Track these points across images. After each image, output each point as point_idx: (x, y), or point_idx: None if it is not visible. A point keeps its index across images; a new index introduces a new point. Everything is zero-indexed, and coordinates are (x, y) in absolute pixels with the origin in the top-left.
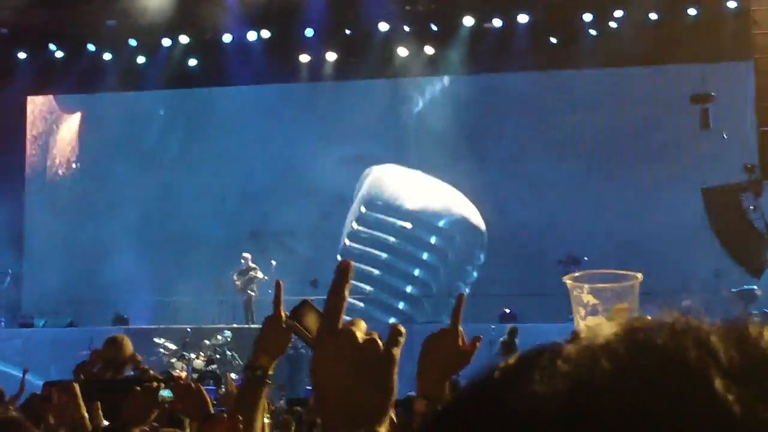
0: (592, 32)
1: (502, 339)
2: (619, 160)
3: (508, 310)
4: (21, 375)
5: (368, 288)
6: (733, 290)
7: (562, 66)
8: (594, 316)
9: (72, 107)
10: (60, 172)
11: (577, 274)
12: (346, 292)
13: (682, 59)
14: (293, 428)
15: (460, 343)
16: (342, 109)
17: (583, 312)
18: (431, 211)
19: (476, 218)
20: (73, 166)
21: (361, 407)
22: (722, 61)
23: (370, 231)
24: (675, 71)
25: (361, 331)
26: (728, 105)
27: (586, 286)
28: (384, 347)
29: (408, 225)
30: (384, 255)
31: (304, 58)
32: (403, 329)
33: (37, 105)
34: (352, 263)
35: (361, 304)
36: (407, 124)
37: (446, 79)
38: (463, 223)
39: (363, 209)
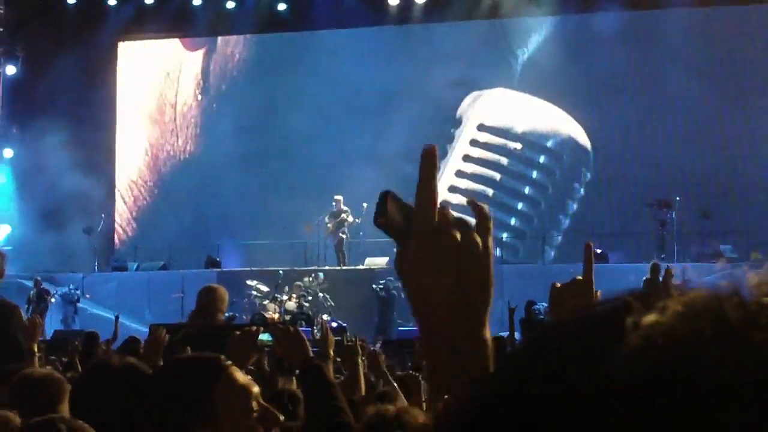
0: None
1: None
2: (715, 101)
3: (599, 251)
4: (114, 319)
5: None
6: None
7: (656, 5)
8: None
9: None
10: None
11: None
12: (436, 182)
13: None
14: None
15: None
16: (431, 49)
17: None
18: (540, 131)
19: (583, 138)
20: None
21: (463, 307)
22: None
23: (482, 152)
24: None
25: (451, 221)
26: None
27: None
28: (481, 240)
29: (518, 146)
30: (497, 175)
31: (393, 1)
32: (489, 214)
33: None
34: (436, 147)
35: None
36: (503, 63)
37: (541, 20)
38: (570, 143)
39: (475, 132)
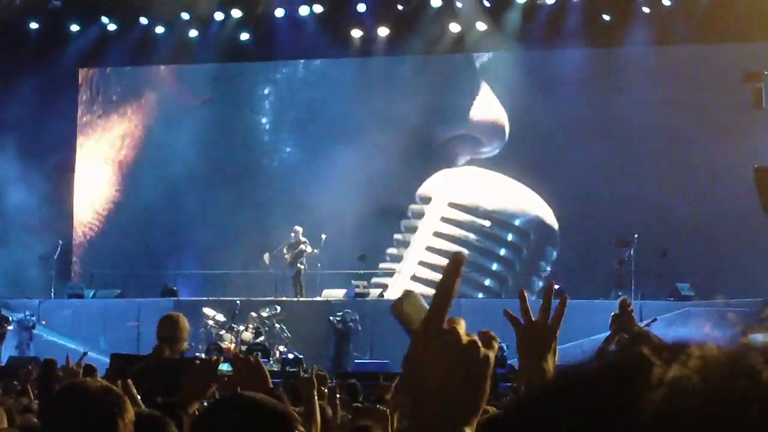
0: (645, 10)
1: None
2: (670, 140)
3: (557, 286)
4: (71, 347)
5: None
6: None
7: (614, 44)
8: None
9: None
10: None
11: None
12: (456, 288)
13: (735, 38)
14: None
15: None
16: (394, 84)
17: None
18: (508, 210)
19: (550, 218)
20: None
21: (456, 406)
22: None
23: (452, 228)
24: (727, 50)
25: (462, 330)
26: None
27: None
28: (483, 350)
29: (487, 223)
30: (465, 251)
31: (356, 33)
32: (496, 336)
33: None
34: (464, 256)
35: None
36: (457, 99)
37: (496, 55)
38: (538, 222)
39: (445, 209)
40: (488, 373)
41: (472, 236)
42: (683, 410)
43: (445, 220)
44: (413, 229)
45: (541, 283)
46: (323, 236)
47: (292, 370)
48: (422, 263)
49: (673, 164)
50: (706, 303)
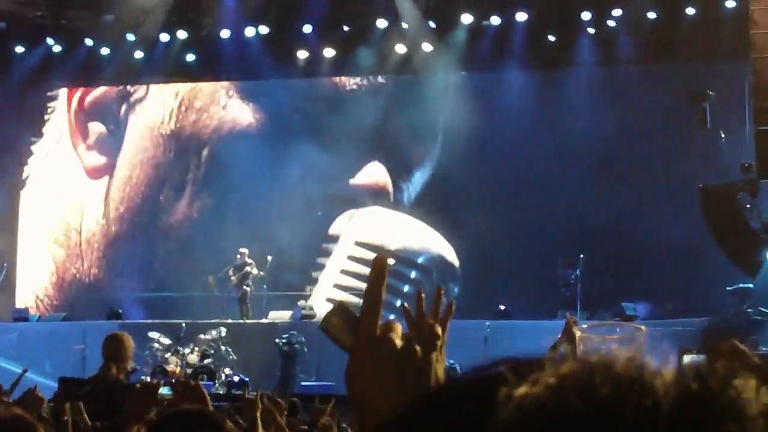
0: (591, 31)
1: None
2: (615, 160)
3: (503, 307)
4: (16, 371)
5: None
6: (729, 288)
7: (560, 65)
8: None
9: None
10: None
11: (585, 325)
12: (383, 294)
13: (680, 58)
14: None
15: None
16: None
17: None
18: (412, 249)
19: (451, 256)
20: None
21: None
22: (720, 60)
23: (357, 266)
24: (672, 71)
25: (397, 334)
26: (726, 104)
27: (594, 336)
28: (421, 353)
29: (391, 261)
30: (392, 261)
31: (302, 54)
32: (440, 332)
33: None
34: (388, 259)
35: None
36: (404, 122)
37: (444, 77)
38: (440, 259)
39: (351, 247)
40: (429, 374)
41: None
42: (525, 430)
43: (352, 258)
44: (322, 267)
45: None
46: (269, 258)
47: (237, 392)
48: (329, 300)
49: (621, 184)
50: (652, 323)
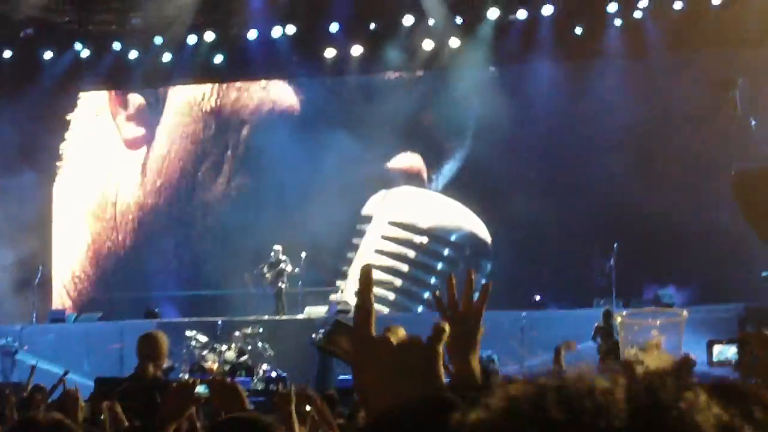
0: (617, 22)
1: (597, 324)
2: (647, 148)
3: (538, 297)
4: (56, 371)
5: (392, 296)
6: (765, 273)
7: (588, 57)
8: (633, 348)
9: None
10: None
11: (625, 312)
12: (371, 300)
13: (708, 46)
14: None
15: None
16: (368, 104)
17: (627, 343)
18: (444, 227)
19: (483, 233)
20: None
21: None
22: (749, 46)
23: (391, 246)
24: (701, 58)
25: (397, 336)
26: (756, 91)
27: (635, 321)
28: (425, 344)
29: (425, 240)
30: (405, 267)
31: (330, 52)
32: (446, 327)
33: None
34: (371, 267)
35: (386, 310)
36: (436, 115)
37: (472, 71)
38: (472, 237)
39: (385, 227)
40: (434, 364)
41: (411, 252)
42: None
43: (385, 237)
44: (357, 248)
45: (476, 295)
46: (303, 254)
47: (275, 388)
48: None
49: (653, 172)
50: (689, 309)
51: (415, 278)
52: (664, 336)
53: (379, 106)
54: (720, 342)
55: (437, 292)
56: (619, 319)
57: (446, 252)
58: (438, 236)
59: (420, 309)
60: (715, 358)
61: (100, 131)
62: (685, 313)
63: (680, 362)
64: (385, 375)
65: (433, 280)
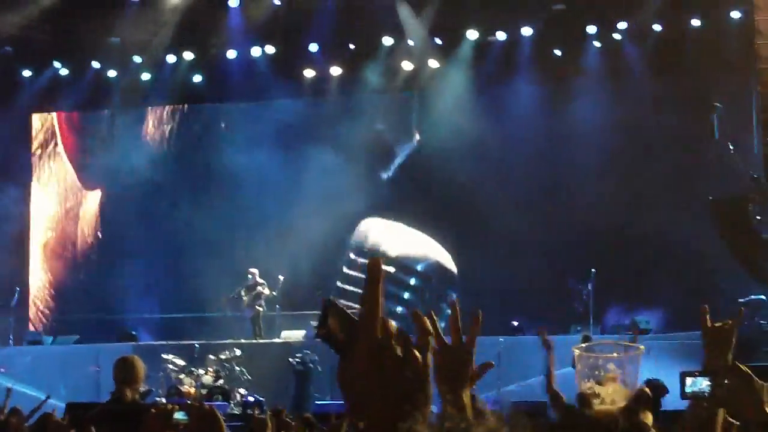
0: (596, 44)
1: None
2: (627, 172)
3: (516, 323)
4: (32, 394)
5: None
6: (741, 300)
7: (568, 78)
8: (589, 381)
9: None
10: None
11: (584, 345)
12: (381, 295)
13: (687, 70)
14: None
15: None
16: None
17: (584, 377)
18: (411, 256)
19: (449, 262)
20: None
21: (396, 417)
22: (727, 71)
23: (357, 274)
24: (680, 82)
25: (393, 336)
26: (734, 116)
27: (591, 354)
28: (421, 360)
29: (391, 269)
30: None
31: (309, 73)
32: (432, 342)
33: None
34: (381, 259)
35: None
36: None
37: (453, 92)
38: (438, 267)
39: (352, 255)
40: (427, 382)
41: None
42: None
43: (351, 266)
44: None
45: (443, 324)
46: (280, 278)
47: (252, 413)
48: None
49: (632, 196)
50: (664, 336)
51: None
52: (621, 370)
53: (361, 124)
54: (692, 374)
55: (417, 310)
56: (576, 352)
57: (412, 281)
58: (404, 265)
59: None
60: (687, 390)
61: (58, 170)
62: (642, 347)
63: (635, 396)
64: (383, 379)
65: (399, 309)
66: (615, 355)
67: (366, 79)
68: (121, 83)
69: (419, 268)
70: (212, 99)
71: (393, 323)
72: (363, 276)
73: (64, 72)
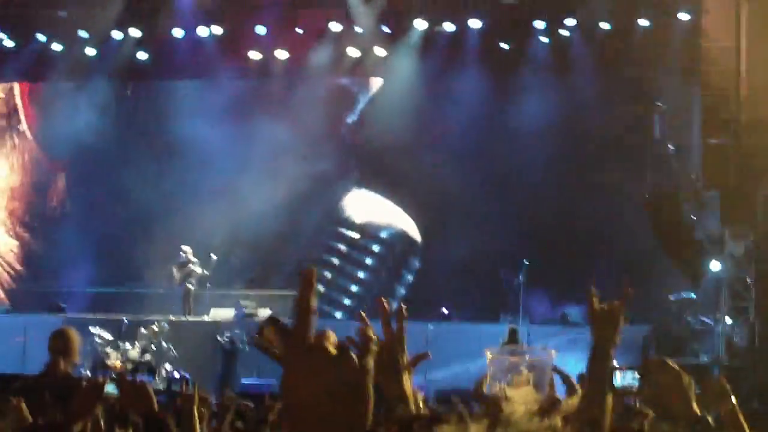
0: (544, 40)
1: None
2: (567, 165)
3: (445, 310)
4: None
5: (321, 288)
6: (672, 297)
7: (514, 71)
8: (500, 383)
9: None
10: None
11: (496, 348)
12: (313, 303)
13: (633, 69)
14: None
15: None
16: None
17: (496, 379)
18: (375, 224)
19: (413, 231)
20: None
21: (337, 422)
22: (672, 72)
23: (324, 240)
24: (625, 80)
25: (330, 343)
26: (677, 117)
27: (504, 357)
28: (357, 359)
29: (356, 235)
30: (335, 260)
31: (255, 55)
32: (373, 337)
33: None
34: (314, 269)
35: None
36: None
37: (396, 81)
38: (402, 235)
39: (323, 223)
40: (366, 381)
41: (342, 247)
42: None
43: (318, 232)
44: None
45: (403, 290)
46: (213, 256)
47: (177, 389)
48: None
49: (572, 189)
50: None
51: (345, 272)
52: (532, 373)
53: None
54: (621, 368)
55: (362, 312)
56: (489, 355)
57: (376, 248)
58: (369, 232)
59: (348, 302)
60: (617, 384)
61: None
62: (554, 352)
63: (546, 400)
64: (317, 385)
65: (362, 275)
66: (527, 358)
67: (312, 63)
68: (67, 57)
69: (383, 235)
70: (157, 77)
71: (332, 334)
72: (329, 242)
73: (9, 44)
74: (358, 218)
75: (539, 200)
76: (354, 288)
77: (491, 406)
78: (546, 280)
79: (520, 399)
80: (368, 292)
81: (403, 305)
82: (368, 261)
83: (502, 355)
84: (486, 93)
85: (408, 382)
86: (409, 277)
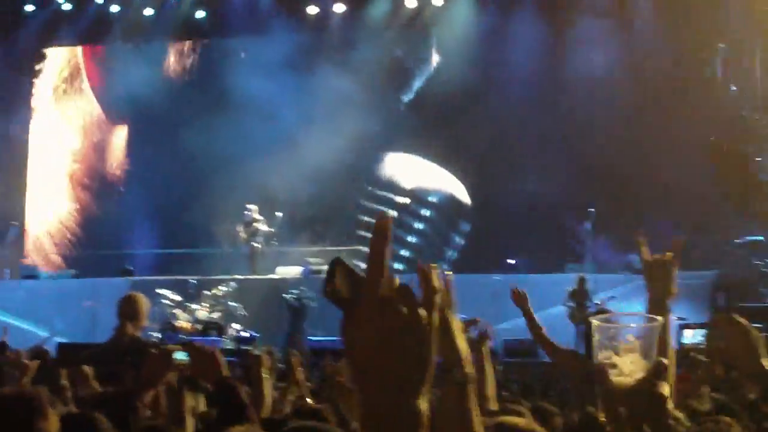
0: None
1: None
2: (628, 111)
3: (512, 261)
4: (27, 327)
5: None
6: (738, 241)
7: (573, 18)
8: (606, 351)
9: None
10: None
11: (603, 316)
12: (387, 254)
13: (692, 10)
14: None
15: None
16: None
17: (601, 347)
18: (425, 188)
19: (463, 194)
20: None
21: (398, 379)
22: (732, 12)
23: (374, 205)
24: (684, 22)
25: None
26: (737, 56)
27: (610, 324)
28: (425, 316)
29: (406, 200)
30: (392, 212)
31: (312, 9)
32: (437, 286)
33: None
34: (390, 219)
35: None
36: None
37: (453, 31)
38: (451, 198)
39: (369, 188)
40: (432, 337)
41: (392, 212)
42: None
43: (369, 197)
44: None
45: (451, 253)
46: (278, 214)
47: (245, 348)
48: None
49: (634, 134)
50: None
51: (395, 236)
52: (639, 341)
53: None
54: (690, 327)
55: (422, 264)
56: (594, 322)
57: (426, 212)
58: (418, 197)
59: (398, 266)
60: (685, 342)
61: (80, 103)
62: (661, 319)
63: (653, 368)
64: (387, 337)
65: (412, 239)
66: (633, 325)
67: (369, 15)
68: (124, 18)
69: (433, 199)
70: (214, 35)
71: (398, 281)
72: (379, 207)
73: (67, 7)
74: (408, 183)
75: (602, 147)
76: (405, 252)
77: (598, 375)
78: (610, 228)
79: (627, 367)
80: (419, 255)
81: (448, 270)
82: (419, 225)
83: (607, 321)
84: (545, 41)
85: (463, 343)
86: (460, 241)
